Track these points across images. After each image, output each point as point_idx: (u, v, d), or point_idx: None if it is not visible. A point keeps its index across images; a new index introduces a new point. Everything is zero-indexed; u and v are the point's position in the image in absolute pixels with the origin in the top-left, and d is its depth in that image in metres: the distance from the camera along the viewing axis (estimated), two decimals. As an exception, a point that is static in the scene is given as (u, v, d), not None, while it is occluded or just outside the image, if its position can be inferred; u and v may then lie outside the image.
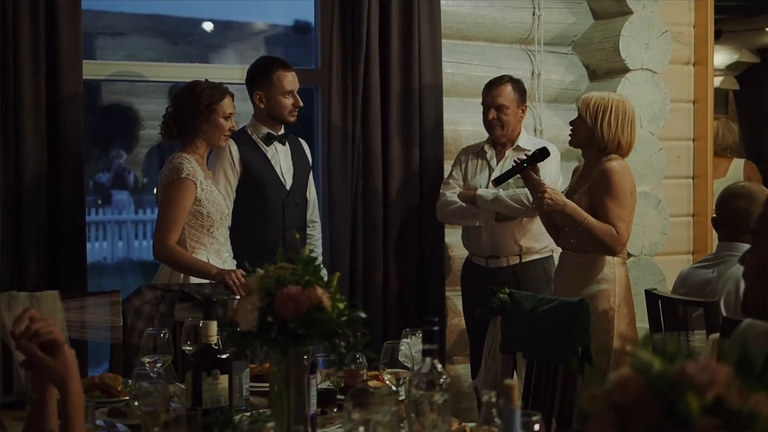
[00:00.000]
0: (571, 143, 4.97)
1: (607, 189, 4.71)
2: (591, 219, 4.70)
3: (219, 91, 4.78)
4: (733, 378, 1.28)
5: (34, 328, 2.27)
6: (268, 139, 5.11)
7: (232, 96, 4.85)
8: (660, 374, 1.29)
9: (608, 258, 4.75)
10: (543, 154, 4.92)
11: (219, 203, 4.76)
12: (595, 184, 4.76)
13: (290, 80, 5.07)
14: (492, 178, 5.16)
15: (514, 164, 4.95)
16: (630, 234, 4.80)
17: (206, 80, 4.84)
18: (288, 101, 5.06)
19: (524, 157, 4.96)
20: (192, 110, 4.72)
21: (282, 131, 5.16)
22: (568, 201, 4.77)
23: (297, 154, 5.22)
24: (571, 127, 4.92)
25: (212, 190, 4.75)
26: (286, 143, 5.17)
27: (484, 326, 4.33)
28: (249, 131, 5.13)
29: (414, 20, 5.59)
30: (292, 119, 5.10)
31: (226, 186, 4.96)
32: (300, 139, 5.32)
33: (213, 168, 4.95)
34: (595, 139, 4.77)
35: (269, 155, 5.11)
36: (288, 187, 5.12)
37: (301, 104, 5.11)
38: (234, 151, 5.00)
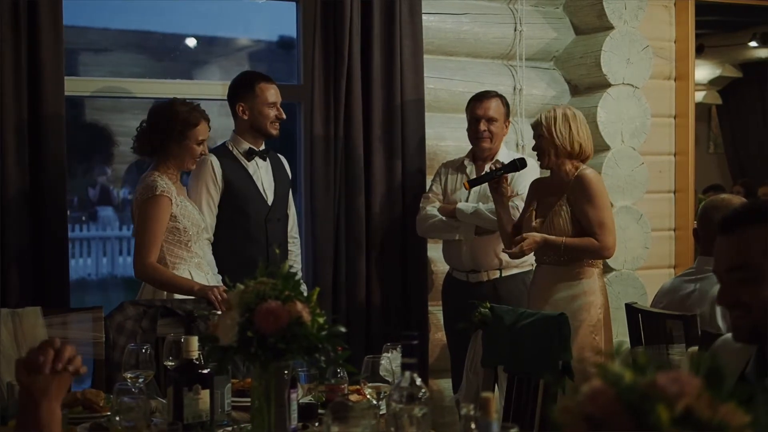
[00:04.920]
0: (542, 166, 5.05)
1: (586, 197, 4.82)
2: (568, 240, 4.80)
3: (195, 115, 4.74)
4: (703, 389, 1.29)
5: (66, 356, 2.29)
6: (249, 155, 5.10)
7: (208, 120, 4.82)
8: (630, 386, 1.30)
9: (587, 270, 4.82)
10: (522, 163, 5.05)
11: (194, 217, 4.74)
12: (573, 194, 4.82)
13: (273, 93, 5.08)
14: (466, 180, 5.22)
15: (492, 169, 5.05)
16: (615, 234, 4.87)
17: (185, 100, 4.83)
18: (271, 112, 5.06)
19: (501, 164, 5.06)
20: (166, 132, 4.69)
21: (263, 147, 5.17)
22: (541, 234, 4.82)
23: (278, 170, 5.22)
24: (536, 152, 4.99)
25: (186, 204, 4.74)
26: (267, 159, 5.17)
27: (466, 341, 4.33)
28: (230, 146, 5.11)
29: (396, 36, 5.60)
30: (274, 132, 5.10)
31: (208, 201, 4.95)
32: (280, 155, 5.32)
33: (194, 183, 4.95)
34: (558, 148, 4.85)
35: (250, 171, 5.10)
36: (270, 202, 5.11)
37: (284, 116, 5.12)
38: (216, 166, 4.99)
